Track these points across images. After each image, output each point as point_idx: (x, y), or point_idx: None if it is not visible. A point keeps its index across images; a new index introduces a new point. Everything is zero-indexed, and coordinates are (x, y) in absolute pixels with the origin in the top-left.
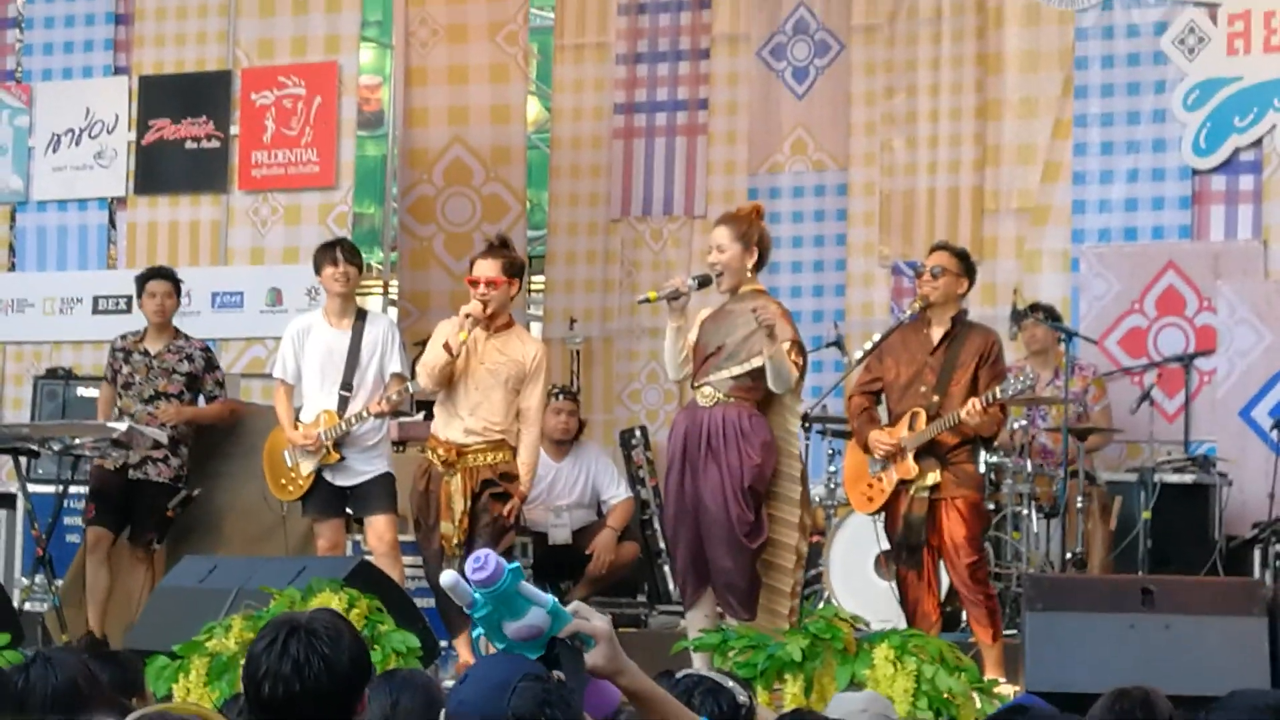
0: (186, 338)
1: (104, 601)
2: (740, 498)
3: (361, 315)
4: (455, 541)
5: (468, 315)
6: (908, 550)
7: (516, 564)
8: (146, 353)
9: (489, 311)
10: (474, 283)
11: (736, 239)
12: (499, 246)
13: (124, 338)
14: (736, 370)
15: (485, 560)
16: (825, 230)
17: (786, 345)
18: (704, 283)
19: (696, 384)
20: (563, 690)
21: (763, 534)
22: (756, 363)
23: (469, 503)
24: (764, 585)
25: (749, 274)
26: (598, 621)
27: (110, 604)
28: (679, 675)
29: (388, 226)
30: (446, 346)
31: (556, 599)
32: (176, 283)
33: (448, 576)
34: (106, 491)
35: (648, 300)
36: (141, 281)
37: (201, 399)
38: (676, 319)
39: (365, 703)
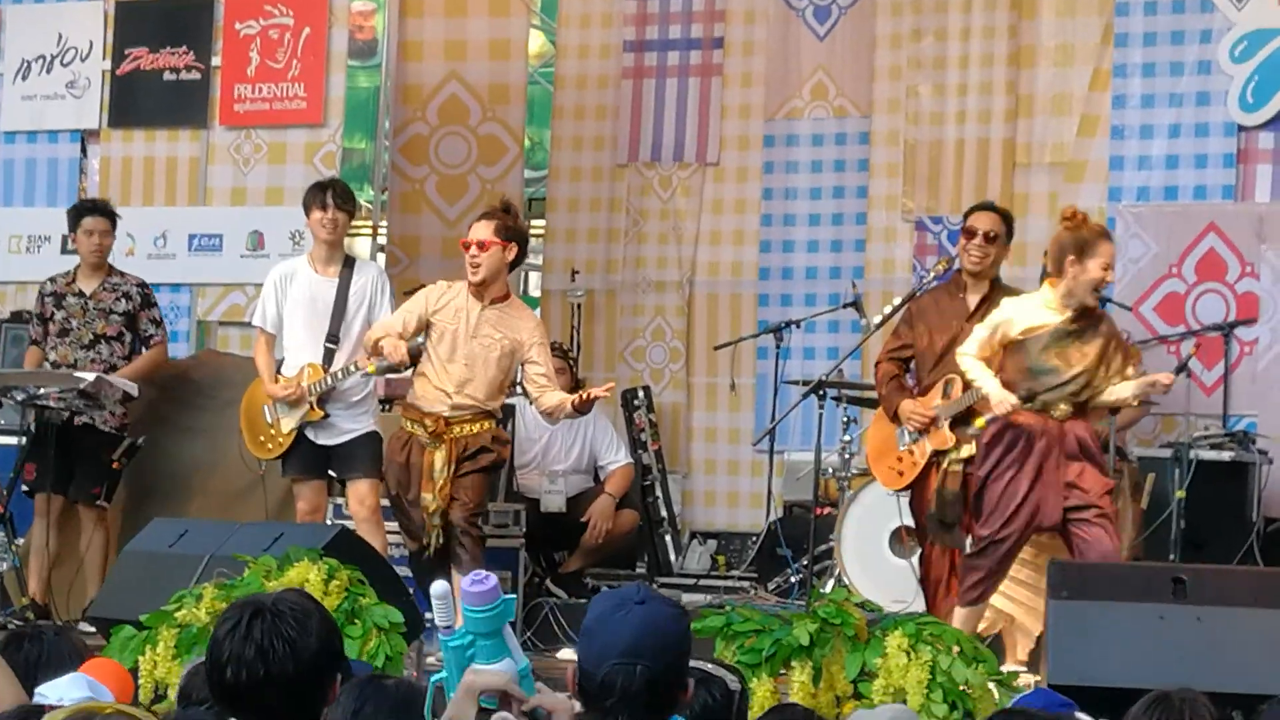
0: (121, 274)
1: (46, 567)
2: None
3: (349, 262)
4: (433, 509)
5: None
6: (942, 525)
7: (512, 598)
8: (81, 294)
9: (479, 278)
10: (465, 245)
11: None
12: (499, 210)
13: (53, 280)
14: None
15: (486, 579)
16: (845, 181)
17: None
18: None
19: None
20: None
21: None
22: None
23: (452, 470)
24: None
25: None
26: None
27: (59, 570)
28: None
29: (379, 163)
30: (404, 363)
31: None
32: (114, 219)
33: (439, 586)
34: (44, 449)
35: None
36: (75, 216)
37: (140, 343)
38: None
39: (336, 690)
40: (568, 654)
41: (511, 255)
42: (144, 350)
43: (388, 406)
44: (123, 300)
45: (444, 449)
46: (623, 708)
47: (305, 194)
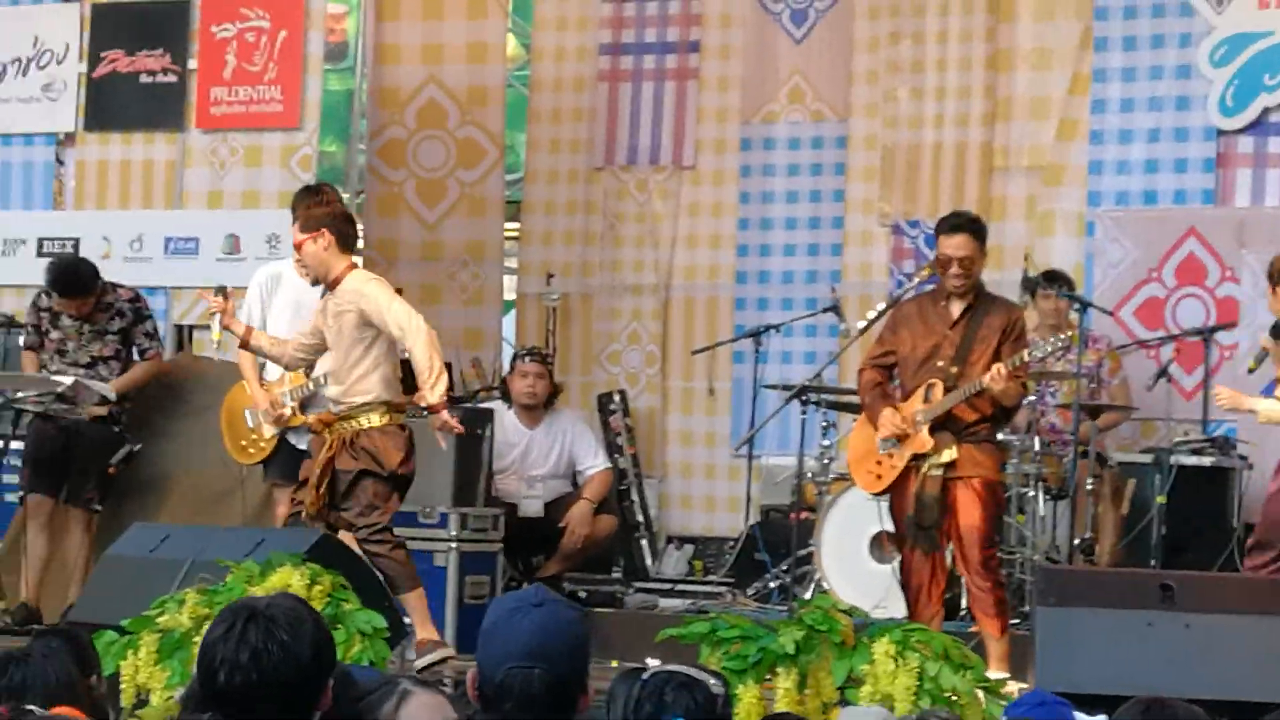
0: (114, 289)
1: (41, 570)
2: None
3: None
4: (309, 513)
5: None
6: (919, 530)
7: None
8: (75, 315)
9: (311, 279)
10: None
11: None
12: (300, 200)
13: (48, 294)
14: None
15: None
16: (822, 185)
17: None
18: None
19: None
20: None
21: None
22: None
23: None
24: None
25: None
26: None
27: (46, 572)
28: (646, 673)
29: (352, 167)
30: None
31: None
32: (88, 288)
33: None
34: (43, 454)
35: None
36: (55, 292)
37: (136, 354)
38: None
39: (329, 696)
40: None
41: (328, 242)
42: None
43: None
44: (116, 319)
45: (325, 448)
46: (521, 711)
47: (292, 201)
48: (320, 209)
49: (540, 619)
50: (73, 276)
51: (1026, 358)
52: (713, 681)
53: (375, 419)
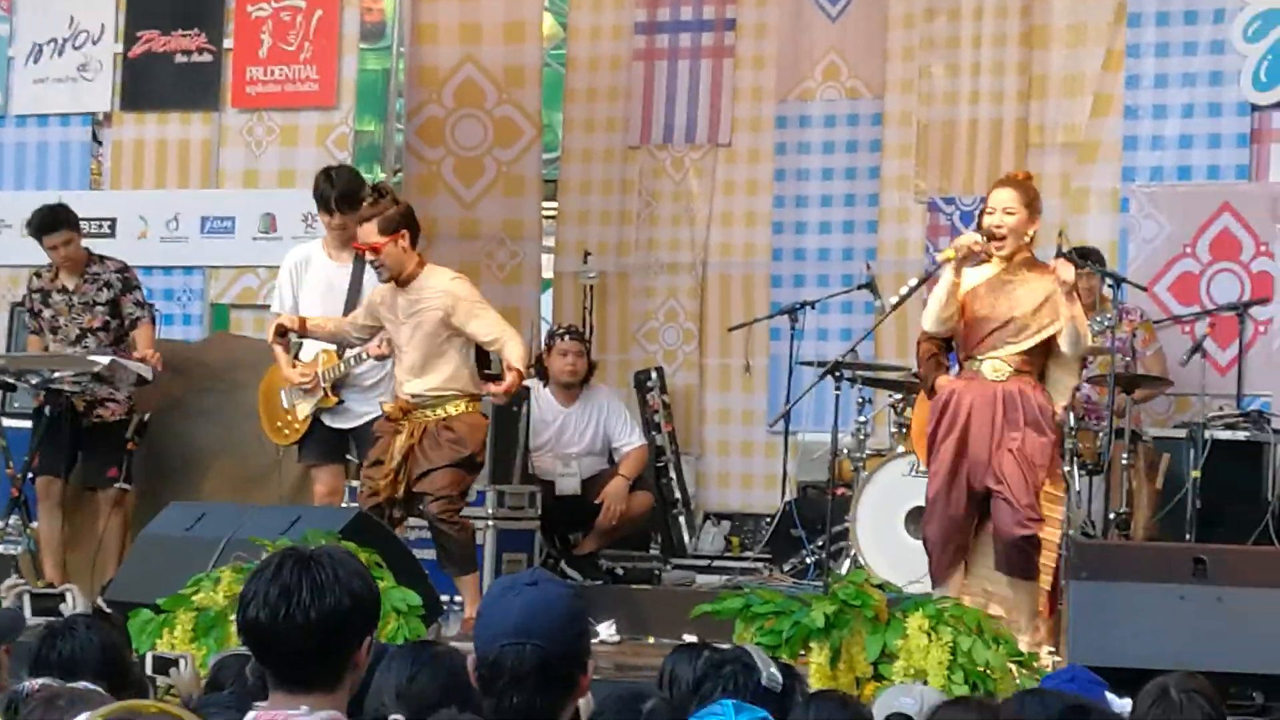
0: (102, 260)
1: (59, 551)
2: (1034, 474)
3: None
4: (386, 495)
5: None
6: None
7: None
8: (65, 289)
9: (386, 278)
10: (360, 250)
11: (1024, 204)
12: (375, 200)
13: (39, 275)
14: (1027, 344)
15: None
16: (858, 162)
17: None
18: (990, 238)
19: (978, 355)
20: None
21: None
22: (1049, 331)
23: (407, 455)
24: None
25: (1026, 242)
26: None
27: (78, 553)
28: (709, 648)
29: (389, 145)
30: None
31: None
32: (66, 225)
33: None
34: (51, 435)
35: (946, 259)
36: (35, 236)
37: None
38: (958, 274)
39: (366, 651)
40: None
41: (406, 240)
42: (132, 336)
43: None
44: (104, 290)
45: (403, 435)
46: (514, 688)
47: (314, 187)
48: (396, 209)
49: (532, 597)
50: (48, 215)
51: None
52: (773, 672)
53: (458, 407)
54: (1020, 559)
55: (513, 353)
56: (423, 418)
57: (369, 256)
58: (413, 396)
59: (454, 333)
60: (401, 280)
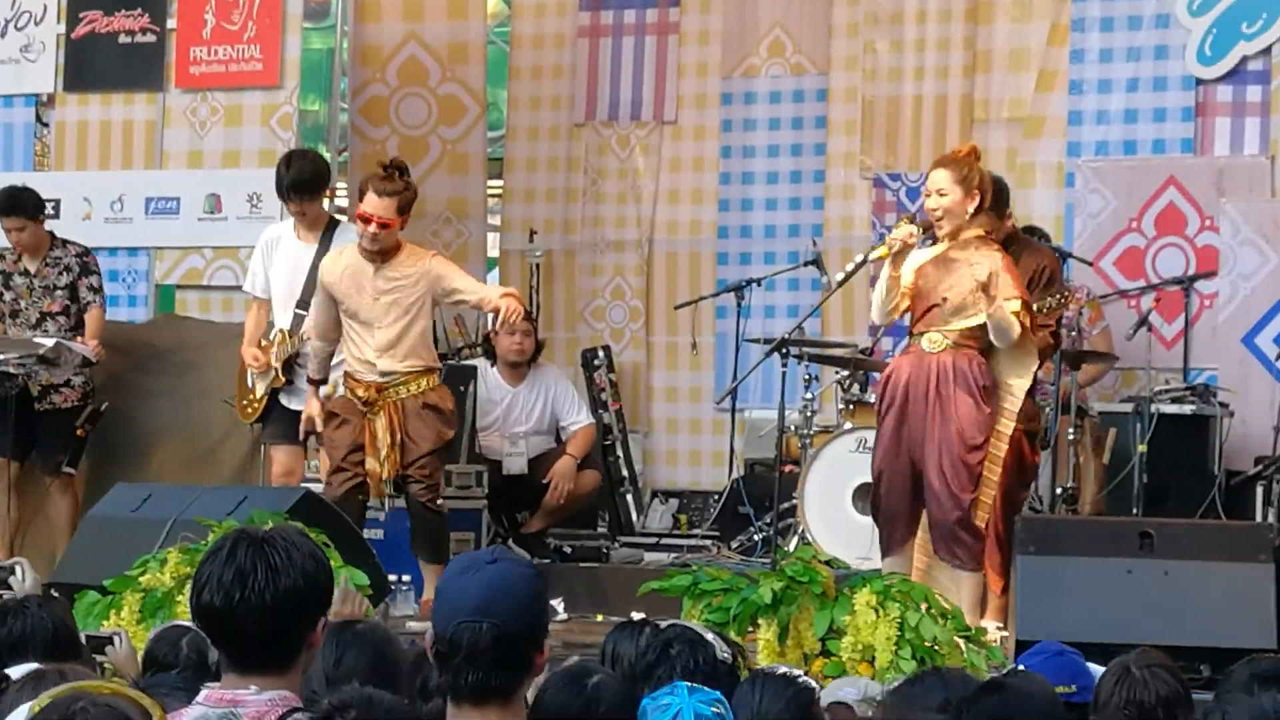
0: (64, 244)
1: (8, 533)
2: (967, 447)
3: (332, 226)
4: (385, 478)
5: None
6: None
7: None
8: (27, 272)
9: (376, 247)
10: (366, 219)
11: (957, 182)
12: (397, 176)
13: (1, 257)
14: (964, 324)
15: None
16: (803, 139)
17: (1016, 307)
18: (926, 229)
19: (919, 331)
20: None
21: (979, 485)
22: (982, 318)
23: (398, 436)
24: None
25: (969, 219)
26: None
27: (29, 535)
28: (663, 625)
29: (334, 124)
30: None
31: None
32: (28, 209)
33: None
34: (3, 417)
35: (880, 258)
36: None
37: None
38: (895, 268)
39: (320, 631)
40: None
41: (403, 226)
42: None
43: None
44: (64, 274)
45: (383, 416)
46: (470, 665)
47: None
48: (410, 191)
49: (490, 575)
50: (6, 198)
51: (1046, 305)
52: (722, 646)
53: (431, 382)
54: (959, 548)
55: (496, 289)
56: (395, 395)
57: (373, 228)
58: (383, 375)
59: (424, 304)
60: (383, 257)
